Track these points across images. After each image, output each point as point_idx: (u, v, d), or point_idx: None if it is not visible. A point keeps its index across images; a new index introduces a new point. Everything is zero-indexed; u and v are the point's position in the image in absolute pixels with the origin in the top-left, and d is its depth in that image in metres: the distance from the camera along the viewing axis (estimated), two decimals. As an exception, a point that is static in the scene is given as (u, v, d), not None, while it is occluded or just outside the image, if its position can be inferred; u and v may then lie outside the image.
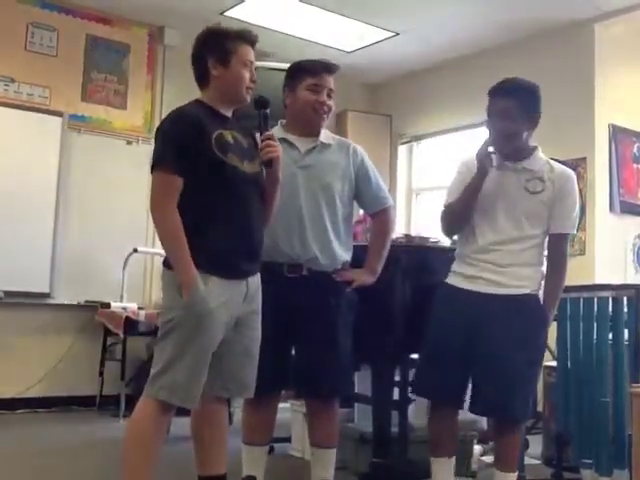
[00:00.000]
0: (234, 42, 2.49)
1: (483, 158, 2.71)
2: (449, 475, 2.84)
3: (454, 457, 2.86)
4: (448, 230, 2.93)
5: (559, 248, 2.79)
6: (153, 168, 2.39)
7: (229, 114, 2.56)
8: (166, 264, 2.41)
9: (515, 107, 2.72)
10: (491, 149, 2.72)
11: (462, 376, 2.72)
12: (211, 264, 2.36)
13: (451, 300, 2.79)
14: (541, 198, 2.74)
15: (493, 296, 2.71)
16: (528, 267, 2.75)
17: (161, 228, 2.36)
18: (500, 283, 2.72)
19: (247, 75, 2.51)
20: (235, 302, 2.43)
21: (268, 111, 2.56)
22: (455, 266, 2.86)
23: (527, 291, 2.73)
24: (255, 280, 2.53)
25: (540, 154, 2.84)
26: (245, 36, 2.53)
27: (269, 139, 2.53)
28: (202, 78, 2.54)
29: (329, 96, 2.85)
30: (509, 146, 2.76)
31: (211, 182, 2.39)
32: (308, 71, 2.84)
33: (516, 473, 2.82)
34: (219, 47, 2.48)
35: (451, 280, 2.84)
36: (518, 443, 2.85)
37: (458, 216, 2.83)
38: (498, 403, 2.68)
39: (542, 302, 2.78)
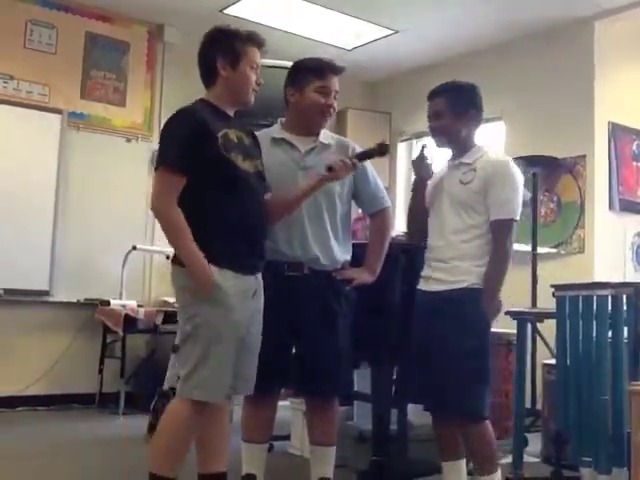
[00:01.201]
0: (244, 44, 2.52)
1: (417, 166, 2.92)
2: (459, 478, 2.83)
3: (464, 459, 2.84)
4: (410, 233, 3.13)
5: (497, 235, 2.75)
6: (158, 166, 2.41)
7: (232, 113, 2.58)
8: (176, 261, 2.42)
9: (444, 106, 2.83)
10: (429, 158, 2.91)
11: (416, 377, 2.74)
12: (224, 260, 2.39)
13: (416, 304, 2.87)
14: (471, 187, 2.77)
15: (436, 293, 2.76)
16: (468, 260, 2.75)
17: (165, 223, 2.38)
18: (442, 280, 2.76)
19: (253, 77, 2.54)
20: (249, 296, 2.47)
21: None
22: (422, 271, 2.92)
23: (464, 285, 2.73)
24: (260, 278, 2.56)
25: (481, 148, 2.87)
26: (255, 39, 2.56)
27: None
28: (209, 77, 2.56)
29: (335, 98, 2.85)
30: (446, 143, 2.89)
31: (218, 180, 2.42)
32: (316, 73, 2.82)
33: (495, 474, 2.74)
34: (229, 48, 2.50)
35: (418, 285, 2.91)
36: (480, 443, 2.72)
37: (409, 221, 3.07)
38: (446, 402, 2.67)
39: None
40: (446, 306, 2.72)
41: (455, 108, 2.81)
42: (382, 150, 2.78)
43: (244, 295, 2.45)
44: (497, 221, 2.75)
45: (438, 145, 2.92)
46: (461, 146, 2.86)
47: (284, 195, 2.69)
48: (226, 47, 2.50)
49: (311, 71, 2.83)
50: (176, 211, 2.36)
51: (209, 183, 2.41)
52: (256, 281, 2.53)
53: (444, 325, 2.69)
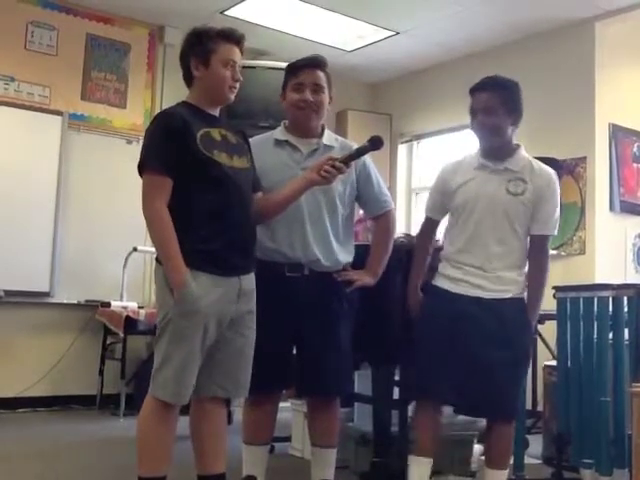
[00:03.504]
0: (215, 41, 2.48)
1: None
2: (426, 474, 2.81)
3: (432, 458, 2.82)
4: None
5: (541, 250, 2.78)
6: (141, 170, 2.41)
7: (216, 113, 2.57)
8: (159, 260, 2.43)
9: (498, 102, 2.73)
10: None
11: (453, 376, 2.70)
12: (200, 261, 2.38)
13: (436, 303, 2.81)
14: (522, 200, 2.73)
15: (476, 299, 2.72)
16: (512, 270, 2.75)
17: (151, 228, 2.39)
18: (483, 287, 2.73)
19: (228, 74, 2.50)
20: (228, 299, 2.43)
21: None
22: (441, 267, 2.86)
23: (510, 295, 2.73)
24: (249, 278, 2.53)
25: (523, 153, 2.83)
26: (227, 35, 2.51)
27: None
28: (187, 78, 2.56)
29: (315, 92, 2.78)
30: (496, 141, 2.77)
31: (197, 180, 2.41)
32: (290, 71, 2.82)
33: (507, 471, 2.81)
34: (200, 47, 2.49)
35: (437, 282, 2.85)
36: (507, 441, 2.81)
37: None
38: (483, 403, 2.69)
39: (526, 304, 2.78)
40: (488, 314, 2.69)
41: (507, 105, 2.74)
42: (375, 144, 2.67)
43: (224, 298, 2.41)
44: (543, 236, 2.78)
45: (484, 143, 2.80)
46: (504, 147, 2.78)
47: (274, 194, 2.67)
48: (197, 47, 2.49)
49: (288, 71, 2.84)
50: (165, 218, 2.35)
51: (191, 182, 2.40)
52: (241, 282, 2.48)
53: (490, 332, 2.67)
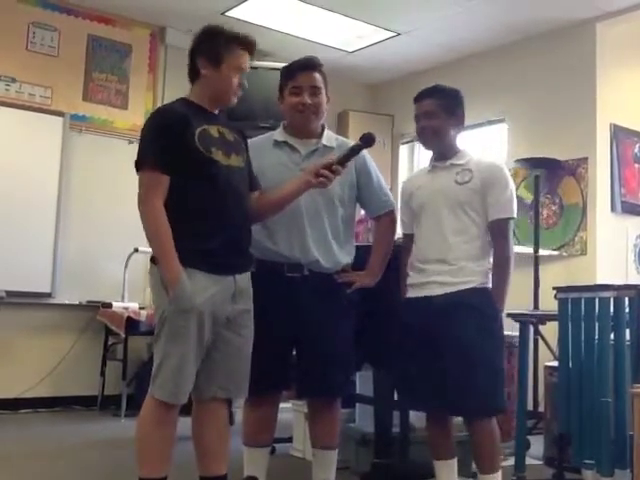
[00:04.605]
0: (229, 45, 2.48)
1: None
2: (452, 476, 2.84)
3: (455, 458, 2.86)
4: None
5: (502, 235, 2.78)
6: (138, 167, 2.41)
7: (215, 111, 2.57)
8: (154, 260, 2.43)
9: (439, 106, 2.83)
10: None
11: (438, 381, 2.69)
12: (195, 259, 2.37)
13: (408, 314, 2.82)
14: (471, 187, 2.78)
15: (443, 296, 2.73)
16: (473, 261, 2.76)
17: (146, 225, 2.39)
18: (448, 283, 2.73)
19: (235, 80, 2.50)
20: (223, 298, 2.43)
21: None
22: (408, 279, 2.88)
23: (474, 285, 2.73)
24: (245, 278, 2.53)
25: (467, 152, 2.91)
26: (242, 41, 2.51)
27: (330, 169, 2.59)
28: (192, 74, 2.55)
29: (313, 94, 2.79)
30: (437, 144, 2.87)
31: (193, 177, 2.41)
32: (287, 75, 2.83)
33: (500, 472, 2.76)
34: (213, 48, 2.48)
35: (408, 294, 2.88)
36: (494, 439, 2.74)
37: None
38: (466, 400, 2.67)
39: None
40: (456, 308, 2.69)
41: (447, 108, 2.83)
42: (367, 141, 2.69)
43: (219, 296, 2.41)
44: (499, 220, 2.78)
45: (426, 146, 2.94)
46: (448, 148, 2.87)
47: (271, 194, 2.67)
48: (210, 47, 2.48)
49: (284, 75, 2.85)
50: (160, 215, 2.35)
51: (188, 180, 2.40)
52: (236, 281, 2.47)
53: (459, 326, 2.67)
